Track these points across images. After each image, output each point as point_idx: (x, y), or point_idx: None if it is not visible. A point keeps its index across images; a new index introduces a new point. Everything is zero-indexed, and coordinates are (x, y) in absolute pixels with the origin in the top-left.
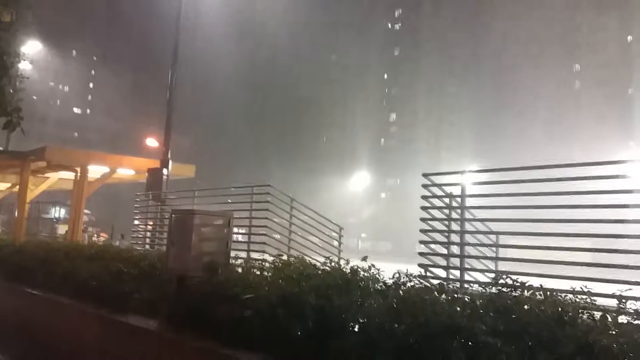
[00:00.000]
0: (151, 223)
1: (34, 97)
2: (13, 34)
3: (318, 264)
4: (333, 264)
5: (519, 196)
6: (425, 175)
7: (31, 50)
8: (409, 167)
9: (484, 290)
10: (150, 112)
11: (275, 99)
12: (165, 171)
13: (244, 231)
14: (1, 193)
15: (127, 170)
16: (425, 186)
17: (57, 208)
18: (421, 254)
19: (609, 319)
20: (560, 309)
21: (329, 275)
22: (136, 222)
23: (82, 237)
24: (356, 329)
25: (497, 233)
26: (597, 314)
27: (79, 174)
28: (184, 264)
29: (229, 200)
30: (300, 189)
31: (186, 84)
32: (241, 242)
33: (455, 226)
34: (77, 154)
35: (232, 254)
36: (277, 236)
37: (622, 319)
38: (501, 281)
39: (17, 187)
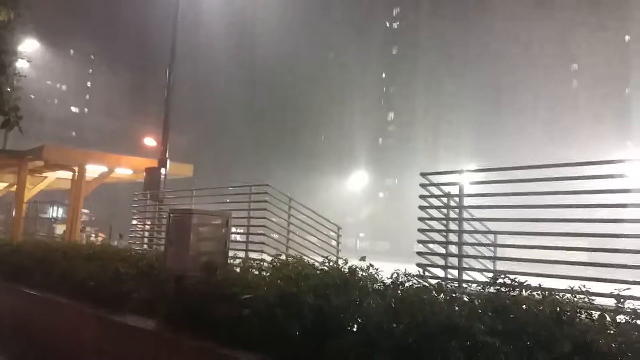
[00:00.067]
0: (149, 223)
1: (32, 96)
2: (11, 32)
3: (316, 263)
4: (331, 263)
5: (517, 196)
6: (423, 174)
7: (29, 48)
8: (407, 166)
9: (482, 290)
10: (148, 111)
11: (273, 98)
12: (163, 170)
13: (242, 231)
14: None
15: (125, 170)
16: (423, 185)
17: (55, 208)
18: (419, 253)
19: (607, 319)
20: (558, 309)
21: (327, 275)
22: (134, 221)
23: (80, 237)
24: (354, 329)
25: (496, 232)
26: (596, 314)
27: (76, 174)
28: (182, 264)
29: (227, 200)
30: (299, 188)
31: (184, 82)
32: (239, 241)
33: (453, 225)
34: (75, 154)
35: (230, 253)
36: (276, 236)
37: (620, 318)
38: (499, 281)
39: (15, 186)
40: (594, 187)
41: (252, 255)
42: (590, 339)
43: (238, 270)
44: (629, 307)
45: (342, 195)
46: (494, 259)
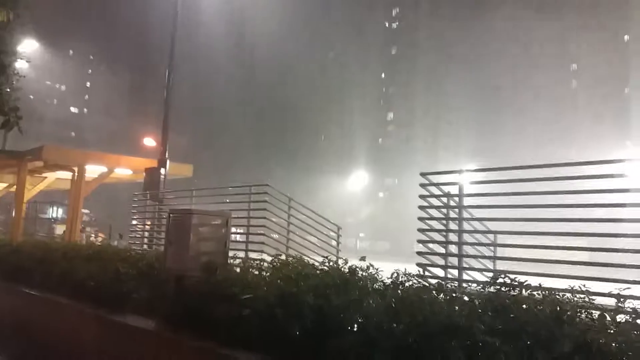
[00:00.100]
0: (149, 223)
1: (31, 97)
2: (10, 32)
3: (316, 263)
4: (331, 263)
5: (517, 195)
6: (423, 174)
7: (28, 49)
8: (406, 166)
9: (482, 290)
10: (147, 112)
11: (273, 98)
12: (162, 171)
13: (242, 231)
14: None
15: (125, 170)
16: (423, 185)
17: (55, 208)
18: (419, 253)
19: (608, 318)
20: (558, 308)
21: (327, 275)
22: (134, 222)
23: (80, 237)
24: (355, 329)
25: (495, 232)
26: (596, 313)
27: (76, 174)
28: (182, 264)
29: (227, 200)
30: (299, 188)
31: (184, 82)
32: (239, 241)
33: (453, 225)
34: (75, 154)
35: (230, 253)
36: (275, 236)
37: (621, 317)
38: (499, 280)
39: (14, 186)
40: (594, 187)
41: (252, 255)
42: (591, 339)
43: (238, 270)
44: (629, 307)
45: (342, 195)
46: (493, 258)
